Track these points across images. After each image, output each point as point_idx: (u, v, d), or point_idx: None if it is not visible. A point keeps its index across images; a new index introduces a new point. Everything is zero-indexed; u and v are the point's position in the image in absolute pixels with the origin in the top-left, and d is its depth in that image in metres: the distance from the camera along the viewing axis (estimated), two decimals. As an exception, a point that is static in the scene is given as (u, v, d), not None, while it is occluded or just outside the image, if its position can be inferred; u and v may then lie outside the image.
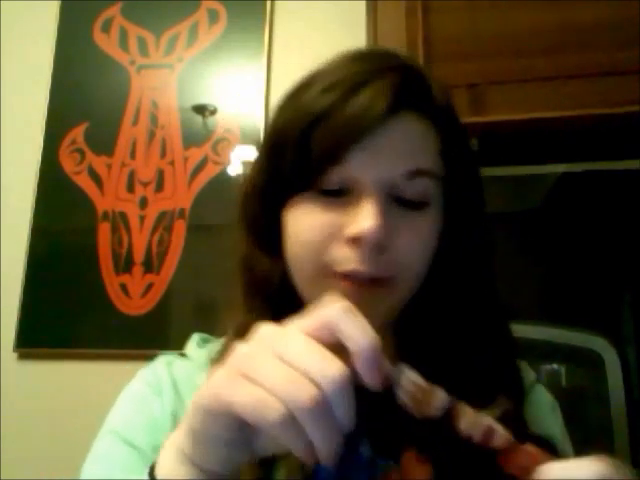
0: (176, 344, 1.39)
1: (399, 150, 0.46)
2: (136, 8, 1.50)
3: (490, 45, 1.27)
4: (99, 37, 1.49)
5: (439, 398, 0.33)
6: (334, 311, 0.33)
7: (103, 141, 1.42)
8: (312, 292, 0.48)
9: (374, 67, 0.48)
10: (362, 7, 1.38)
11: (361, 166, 0.45)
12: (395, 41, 1.33)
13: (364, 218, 0.44)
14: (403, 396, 0.32)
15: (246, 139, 1.36)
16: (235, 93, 1.39)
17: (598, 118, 1.21)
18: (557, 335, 1.11)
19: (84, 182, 1.40)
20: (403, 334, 0.51)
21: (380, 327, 0.40)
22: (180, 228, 1.34)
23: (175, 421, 0.51)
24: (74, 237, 1.39)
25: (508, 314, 0.53)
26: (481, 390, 0.44)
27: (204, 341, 0.61)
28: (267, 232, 0.51)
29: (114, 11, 1.50)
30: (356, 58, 0.51)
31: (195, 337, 0.62)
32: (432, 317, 0.50)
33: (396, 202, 0.46)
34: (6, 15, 1.57)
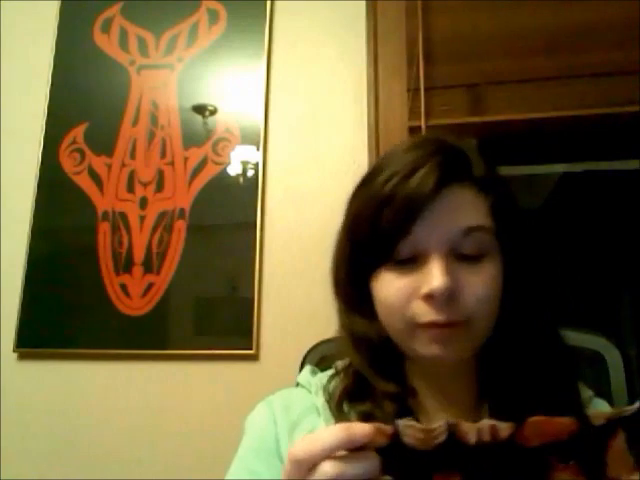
0: (176, 344, 1.40)
1: (452, 215, 0.57)
2: (136, 8, 1.49)
3: (490, 45, 1.27)
4: (99, 37, 1.49)
5: (437, 426, 0.40)
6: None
7: (103, 141, 1.42)
8: (405, 342, 0.60)
9: (424, 153, 0.59)
10: (362, 7, 1.38)
11: (424, 235, 0.57)
12: (395, 41, 1.33)
13: (433, 278, 0.55)
14: (408, 440, 0.40)
15: (246, 139, 1.36)
16: (235, 93, 1.39)
17: (598, 118, 1.21)
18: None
19: (84, 182, 1.40)
20: (484, 369, 0.62)
21: (463, 363, 0.61)
22: (180, 228, 1.34)
23: (289, 438, 0.63)
24: (74, 237, 1.39)
25: (566, 344, 0.63)
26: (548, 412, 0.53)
27: (313, 372, 0.72)
28: (359, 300, 0.64)
29: (114, 11, 1.50)
30: (410, 148, 0.61)
31: (308, 368, 0.73)
32: (508, 353, 0.60)
33: (458, 258, 0.57)
34: (6, 15, 1.57)
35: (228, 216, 1.33)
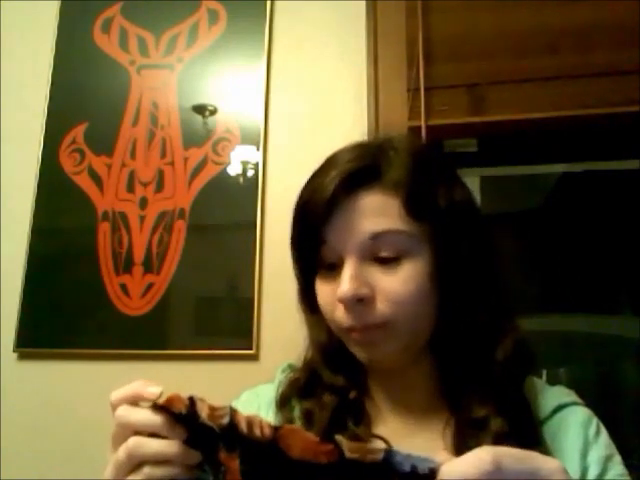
0: (176, 344, 1.40)
1: (358, 221, 0.57)
2: (136, 8, 1.49)
3: (490, 45, 1.27)
4: (99, 37, 1.49)
5: (220, 408, 0.43)
6: None
7: (103, 141, 1.42)
8: (345, 344, 0.62)
9: (339, 161, 0.62)
10: (362, 7, 1.38)
11: (338, 241, 0.58)
12: (395, 41, 1.33)
13: (341, 284, 0.57)
14: (200, 413, 0.43)
15: (246, 139, 1.36)
16: (235, 93, 1.39)
17: (598, 118, 1.21)
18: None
19: (84, 182, 1.40)
20: (441, 355, 0.62)
21: (415, 365, 0.62)
22: (180, 228, 1.34)
23: None
24: (74, 237, 1.39)
25: (521, 342, 0.61)
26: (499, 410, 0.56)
27: (290, 368, 0.73)
28: (311, 306, 0.65)
29: (114, 11, 1.50)
30: (334, 155, 0.65)
31: (285, 364, 0.74)
32: (455, 351, 0.60)
33: (376, 260, 0.57)
34: (6, 15, 1.57)
35: (228, 216, 1.33)
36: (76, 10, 1.52)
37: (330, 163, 0.63)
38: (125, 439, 0.43)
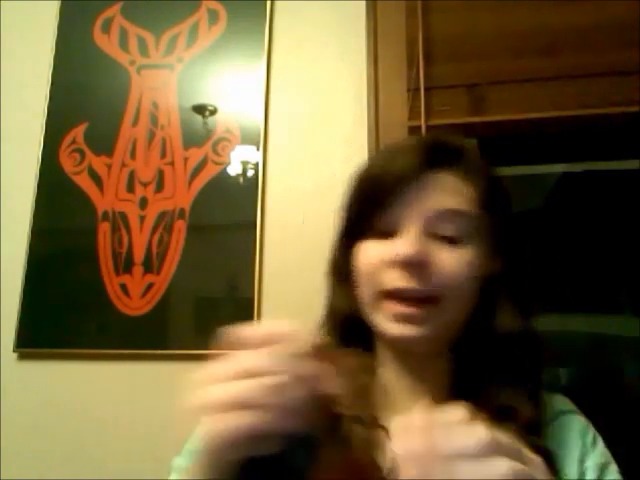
0: (176, 344, 1.40)
1: (433, 196, 0.58)
2: (136, 8, 1.49)
3: (490, 45, 1.27)
4: (99, 37, 1.49)
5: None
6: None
7: (103, 141, 1.42)
8: (372, 316, 0.60)
9: (415, 141, 0.63)
10: (362, 7, 1.38)
11: (403, 212, 0.58)
12: (395, 41, 1.33)
13: (401, 243, 0.56)
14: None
15: (246, 139, 1.36)
16: (235, 93, 1.39)
17: (598, 118, 1.21)
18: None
19: (84, 182, 1.40)
20: (457, 358, 0.61)
21: (434, 355, 0.60)
22: (180, 228, 1.34)
23: None
24: (74, 237, 1.39)
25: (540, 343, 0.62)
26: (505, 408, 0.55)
27: None
28: (346, 275, 0.64)
29: (114, 11, 1.50)
30: (405, 139, 0.67)
31: None
32: (479, 346, 0.60)
33: (435, 238, 0.57)
34: (6, 15, 1.57)
35: (228, 216, 1.33)
36: (76, 10, 1.52)
37: (403, 143, 0.63)
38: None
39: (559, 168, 1.52)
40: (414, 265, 0.55)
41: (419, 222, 0.57)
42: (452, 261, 0.56)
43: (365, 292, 0.60)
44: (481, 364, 0.59)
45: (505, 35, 1.27)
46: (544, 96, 1.23)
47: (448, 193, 0.59)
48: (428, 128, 1.23)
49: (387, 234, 0.59)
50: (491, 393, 0.57)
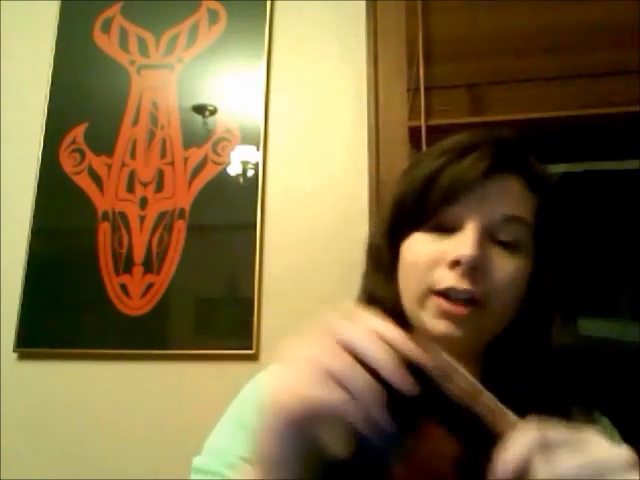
0: (176, 344, 1.40)
1: (497, 200, 0.58)
2: (136, 8, 1.49)
3: (490, 45, 1.27)
4: (99, 37, 1.49)
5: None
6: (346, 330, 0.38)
7: (103, 141, 1.42)
8: (415, 311, 0.59)
9: (479, 138, 0.61)
10: (362, 7, 1.38)
11: (465, 212, 0.57)
12: (395, 41, 1.33)
13: (464, 245, 0.55)
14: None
15: (246, 139, 1.36)
16: (235, 93, 1.39)
17: (598, 118, 1.21)
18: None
19: (84, 182, 1.40)
20: (488, 366, 0.60)
21: (468, 356, 0.56)
22: (180, 228, 1.34)
23: None
24: (74, 237, 1.39)
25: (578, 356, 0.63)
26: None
27: None
28: (387, 263, 0.63)
29: (114, 11, 1.50)
30: (464, 134, 0.62)
31: None
32: (513, 355, 0.59)
33: (492, 242, 0.57)
34: (6, 15, 1.57)
35: (228, 216, 1.33)
36: (76, 10, 1.52)
37: (472, 139, 0.61)
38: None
39: (559, 168, 1.52)
40: (471, 268, 0.55)
41: (481, 224, 0.57)
42: (507, 267, 0.57)
43: (412, 286, 0.59)
44: (514, 372, 0.59)
45: (505, 35, 1.27)
46: (544, 96, 1.23)
47: (513, 198, 0.59)
48: (428, 128, 1.23)
49: (444, 230, 0.58)
50: (519, 403, 0.57)
